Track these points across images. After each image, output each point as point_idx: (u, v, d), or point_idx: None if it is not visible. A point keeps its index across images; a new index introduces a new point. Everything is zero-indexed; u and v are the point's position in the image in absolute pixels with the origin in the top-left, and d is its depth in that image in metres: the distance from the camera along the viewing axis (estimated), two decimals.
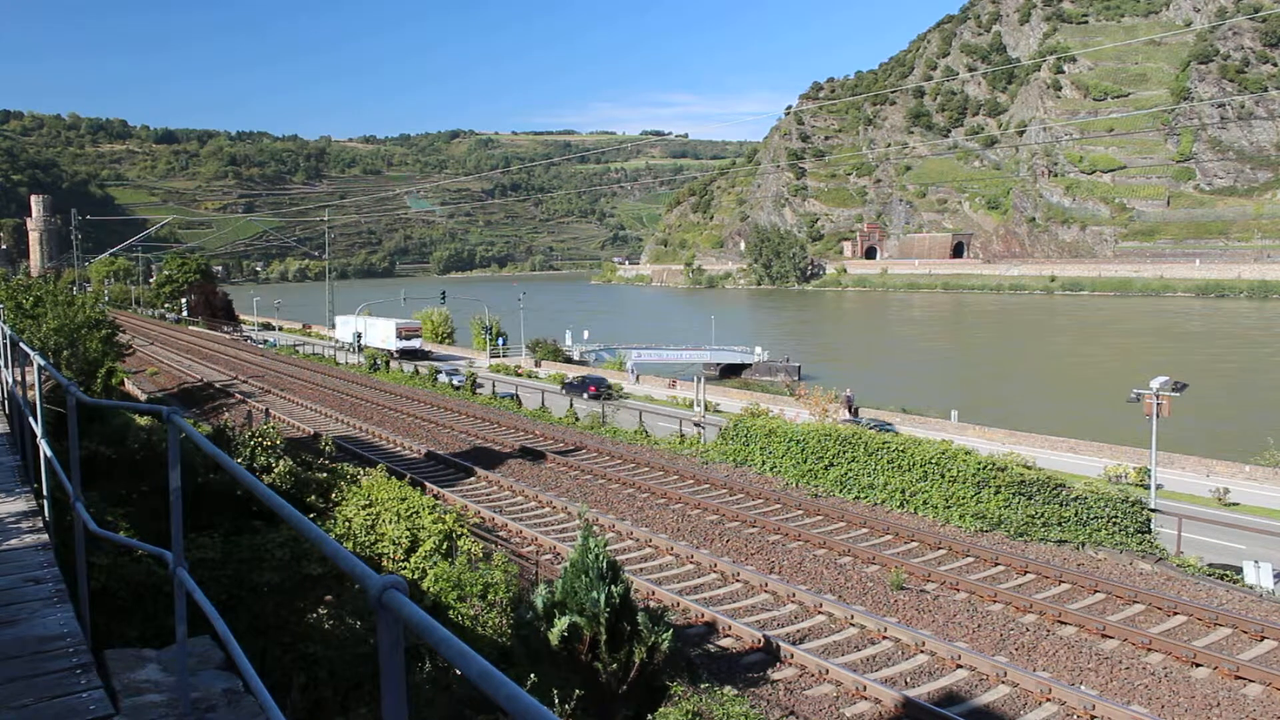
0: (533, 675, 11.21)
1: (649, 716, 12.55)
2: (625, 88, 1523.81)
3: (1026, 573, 21.55)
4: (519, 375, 63.83)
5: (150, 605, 7.33)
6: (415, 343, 72.68)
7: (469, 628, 13.56)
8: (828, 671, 15.65)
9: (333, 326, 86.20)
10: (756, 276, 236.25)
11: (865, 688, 15.01)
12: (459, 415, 43.88)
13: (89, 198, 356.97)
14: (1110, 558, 22.70)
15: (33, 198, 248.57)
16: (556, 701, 11.12)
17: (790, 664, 16.13)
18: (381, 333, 73.60)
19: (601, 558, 12.57)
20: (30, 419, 6.93)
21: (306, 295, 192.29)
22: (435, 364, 60.83)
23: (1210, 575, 21.38)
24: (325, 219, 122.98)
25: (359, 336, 76.25)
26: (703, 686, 14.39)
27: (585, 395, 51.94)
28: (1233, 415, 55.22)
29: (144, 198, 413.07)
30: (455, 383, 54.86)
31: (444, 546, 16.29)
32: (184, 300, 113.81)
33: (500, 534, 23.60)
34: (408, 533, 16.35)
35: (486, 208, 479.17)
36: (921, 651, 16.87)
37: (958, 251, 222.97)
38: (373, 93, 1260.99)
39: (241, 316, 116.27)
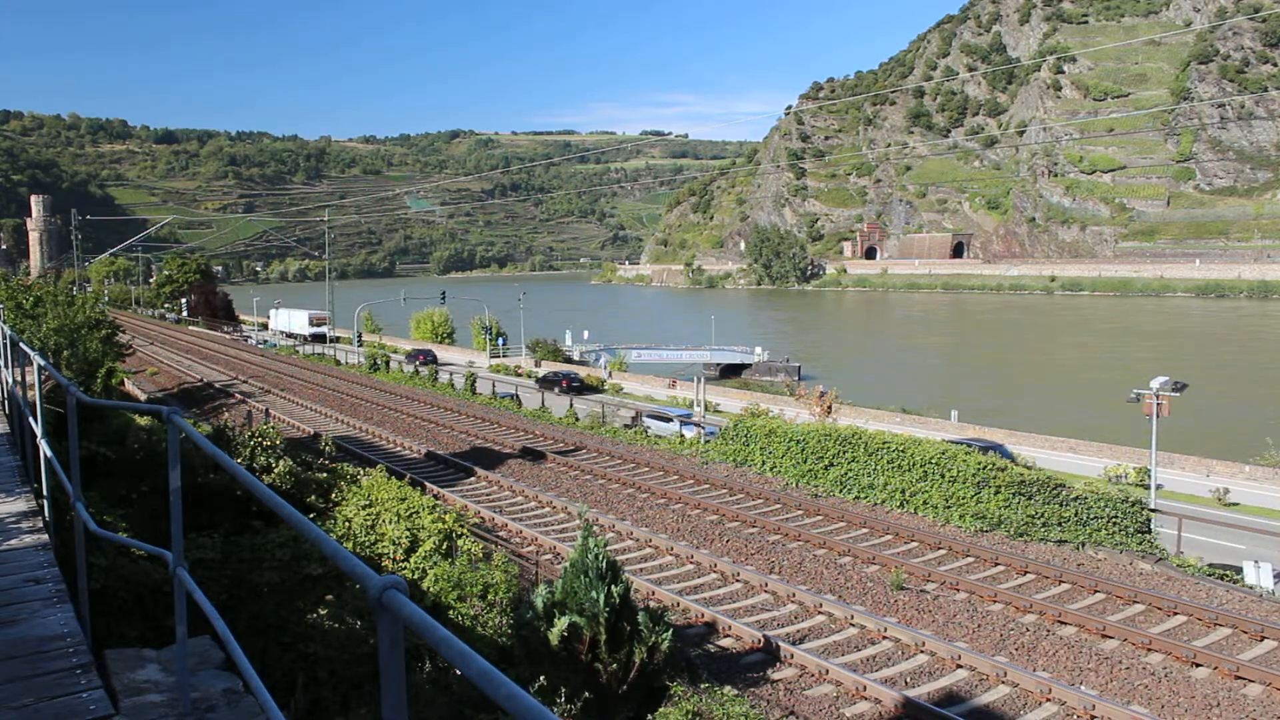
0: (543, 678, 11.22)
1: (649, 716, 12.56)
2: (625, 88, 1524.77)
3: (1026, 573, 21.54)
4: (519, 375, 63.85)
5: (150, 605, 7.33)
6: (323, 329, 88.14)
7: (469, 628, 13.56)
8: (828, 671, 15.65)
9: (267, 318, 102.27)
10: (756, 276, 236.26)
11: (865, 688, 15.01)
12: (459, 415, 43.88)
13: (89, 198, 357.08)
14: (1110, 558, 22.70)
15: (33, 198, 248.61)
16: (562, 700, 11.13)
17: (790, 664, 16.13)
18: (299, 321, 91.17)
19: (601, 558, 12.58)
20: (30, 419, 6.93)
21: (307, 295, 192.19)
22: (605, 398, 52.32)
23: (1210, 575, 21.38)
24: (325, 219, 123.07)
25: (359, 335, 77.72)
26: (703, 686, 14.39)
27: (418, 362, 64.97)
28: (1232, 415, 55.22)
29: (144, 198, 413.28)
30: (687, 433, 37.96)
31: (444, 546, 16.29)
32: (184, 300, 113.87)
33: (500, 534, 23.60)
34: (408, 533, 16.34)
35: (486, 208, 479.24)
36: (921, 651, 16.87)
37: (958, 251, 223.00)
38: (373, 93, 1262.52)
39: (241, 316, 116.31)
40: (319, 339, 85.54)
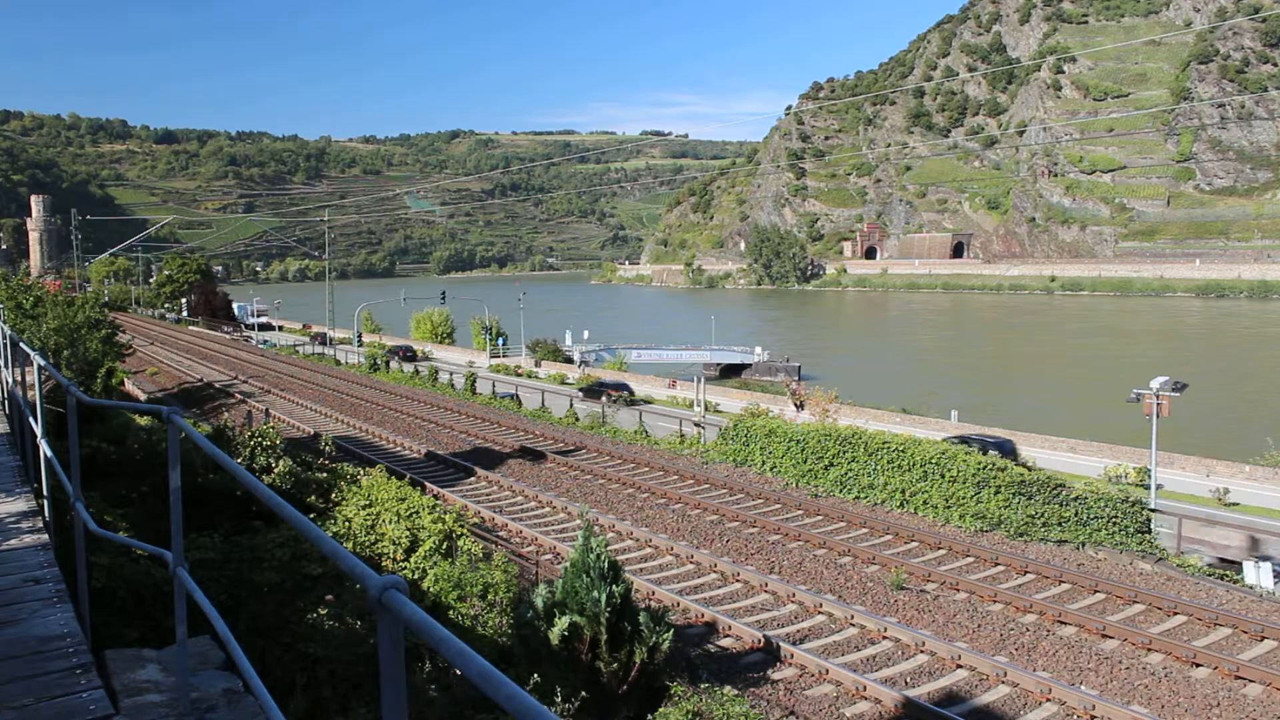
0: (535, 675, 11.22)
1: (649, 716, 12.55)
2: (625, 88, 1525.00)
3: (1026, 573, 21.54)
4: (519, 375, 63.83)
5: (150, 605, 7.32)
6: (263, 319, 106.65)
7: (469, 628, 13.56)
8: (828, 671, 15.65)
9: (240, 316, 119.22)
10: (756, 276, 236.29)
11: (865, 688, 15.01)
12: (459, 415, 43.88)
13: (89, 198, 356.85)
14: (1110, 558, 22.70)
15: (33, 198, 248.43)
16: (561, 699, 11.13)
17: (790, 664, 16.13)
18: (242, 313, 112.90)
19: (603, 558, 12.58)
20: (30, 419, 6.93)
21: (306, 295, 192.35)
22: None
23: (1210, 575, 21.39)
24: (325, 219, 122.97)
25: (359, 335, 78.03)
26: (703, 686, 14.39)
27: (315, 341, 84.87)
28: (1232, 415, 55.21)
29: (144, 198, 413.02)
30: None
31: (444, 546, 16.28)
32: (184, 300, 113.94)
33: (500, 534, 23.60)
34: (408, 533, 16.34)
35: (486, 208, 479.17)
36: (921, 651, 16.87)
37: (958, 251, 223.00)
38: (373, 93, 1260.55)
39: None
40: (250, 327, 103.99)
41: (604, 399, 48.09)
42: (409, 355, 74.61)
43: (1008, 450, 32.02)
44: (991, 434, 37.33)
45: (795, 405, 46.27)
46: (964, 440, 31.33)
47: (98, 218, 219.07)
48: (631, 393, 52.16)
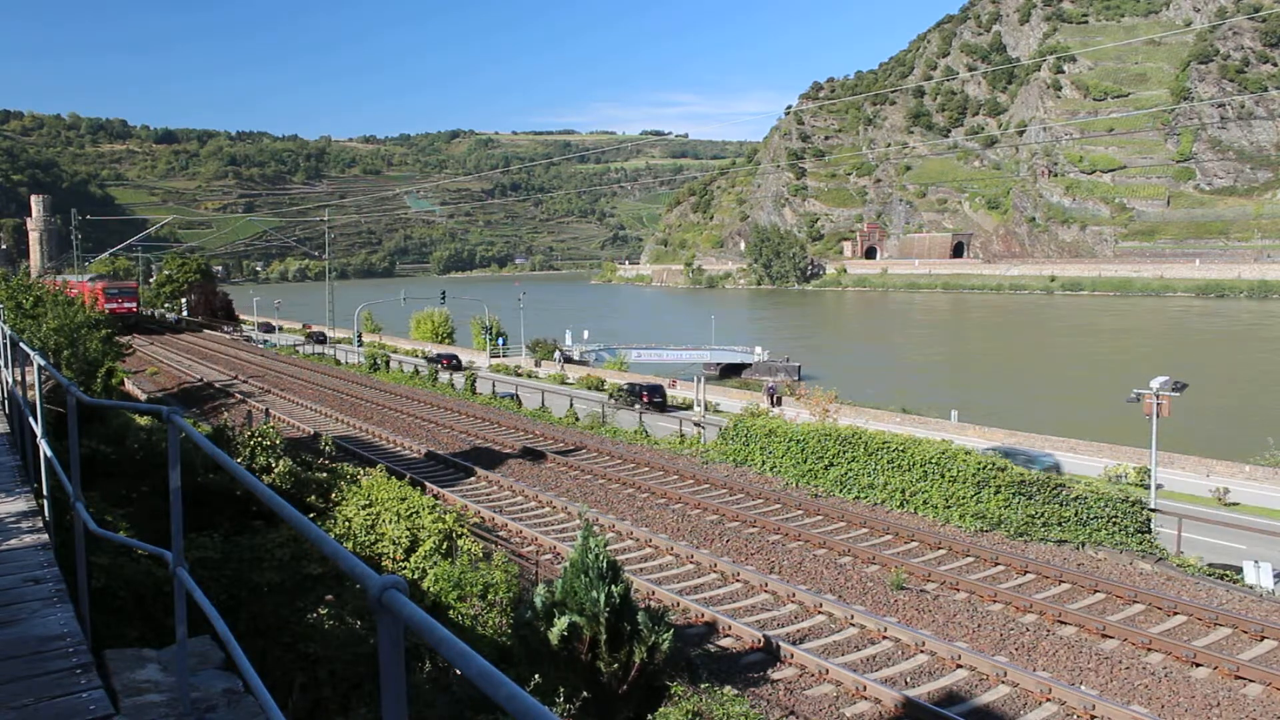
0: (536, 675, 11.22)
1: (649, 716, 12.55)
2: (625, 88, 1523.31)
3: (1026, 573, 21.54)
4: (519, 375, 63.86)
5: (150, 605, 7.32)
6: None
7: (469, 628, 13.56)
8: (828, 671, 15.65)
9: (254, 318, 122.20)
10: (756, 276, 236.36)
11: (865, 688, 15.01)
12: (459, 415, 43.87)
13: (89, 198, 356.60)
14: (1110, 558, 22.70)
15: (33, 198, 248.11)
16: (561, 700, 11.13)
17: (790, 664, 16.13)
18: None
19: (602, 557, 12.57)
20: (30, 419, 6.93)
21: (306, 295, 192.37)
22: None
23: (1210, 575, 21.38)
24: (325, 219, 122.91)
25: (359, 335, 78.19)
26: (703, 686, 14.39)
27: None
28: (1232, 415, 55.20)
29: (144, 198, 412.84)
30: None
31: (444, 546, 16.28)
32: (184, 300, 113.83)
33: (500, 534, 23.59)
34: (408, 533, 16.34)
35: (486, 208, 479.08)
36: (921, 651, 16.86)
37: (958, 251, 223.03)
38: (373, 93, 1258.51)
39: (241, 316, 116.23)
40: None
41: (438, 366, 62.50)
42: (321, 339, 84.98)
43: (1049, 469, 30.53)
44: (1034, 448, 36.35)
45: (771, 401, 46.62)
46: (1008, 454, 30.21)
47: (98, 218, 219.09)
48: (459, 362, 65.90)
